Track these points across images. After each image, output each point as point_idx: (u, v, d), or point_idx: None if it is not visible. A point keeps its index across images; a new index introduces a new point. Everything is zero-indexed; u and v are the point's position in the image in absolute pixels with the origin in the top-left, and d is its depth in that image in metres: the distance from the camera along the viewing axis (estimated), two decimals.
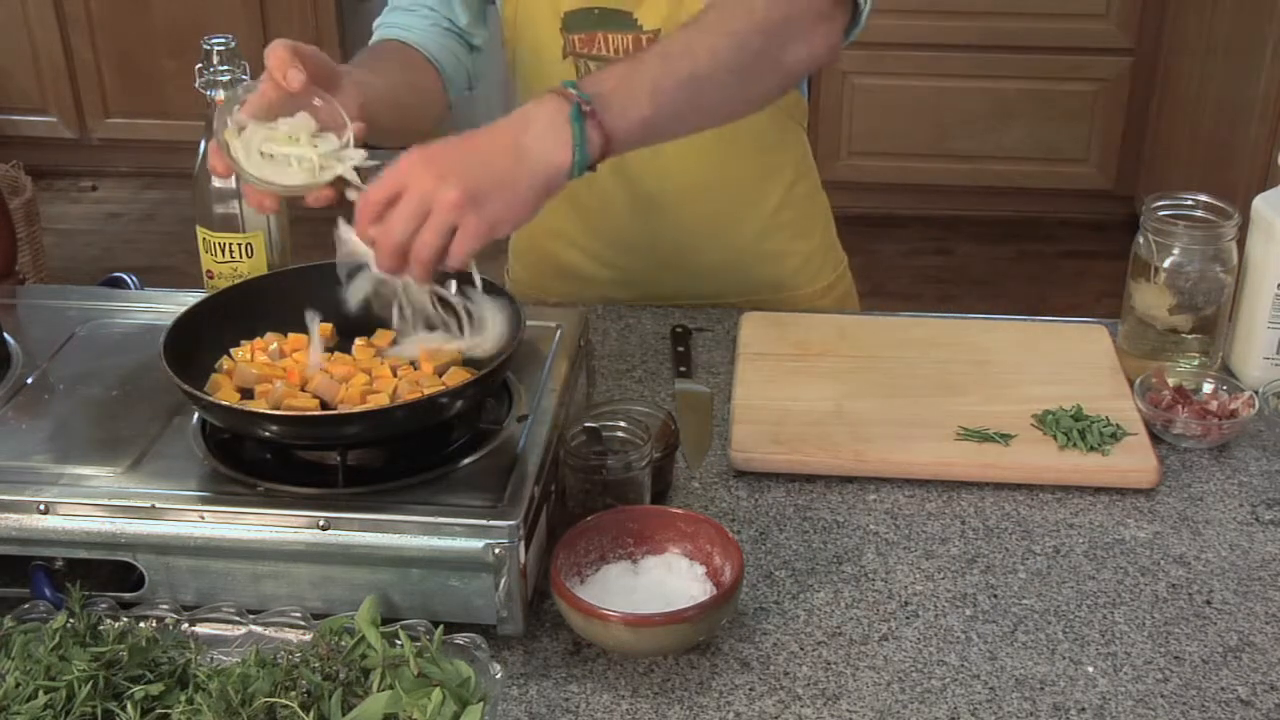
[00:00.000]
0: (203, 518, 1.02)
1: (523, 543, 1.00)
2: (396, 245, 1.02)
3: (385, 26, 1.45)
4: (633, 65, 1.10)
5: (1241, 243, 1.36)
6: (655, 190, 1.50)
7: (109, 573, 1.04)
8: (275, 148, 1.11)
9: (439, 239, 1.01)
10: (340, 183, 1.12)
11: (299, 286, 1.22)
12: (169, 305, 1.28)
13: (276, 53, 1.10)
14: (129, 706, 0.90)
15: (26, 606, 1.01)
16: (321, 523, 1.01)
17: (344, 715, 0.88)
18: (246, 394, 1.12)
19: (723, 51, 1.11)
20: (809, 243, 1.60)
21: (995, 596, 1.10)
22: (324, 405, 1.10)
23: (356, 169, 1.12)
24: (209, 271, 1.37)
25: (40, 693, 0.90)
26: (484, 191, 1.01)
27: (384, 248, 1.02)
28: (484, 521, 1.00)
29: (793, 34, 1.14)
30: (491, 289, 1.21)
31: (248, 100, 1.12)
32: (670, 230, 1.53)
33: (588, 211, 1.55)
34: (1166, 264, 1.34)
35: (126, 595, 1.04)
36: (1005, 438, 1.26)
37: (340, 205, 1.10)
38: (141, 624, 0.99)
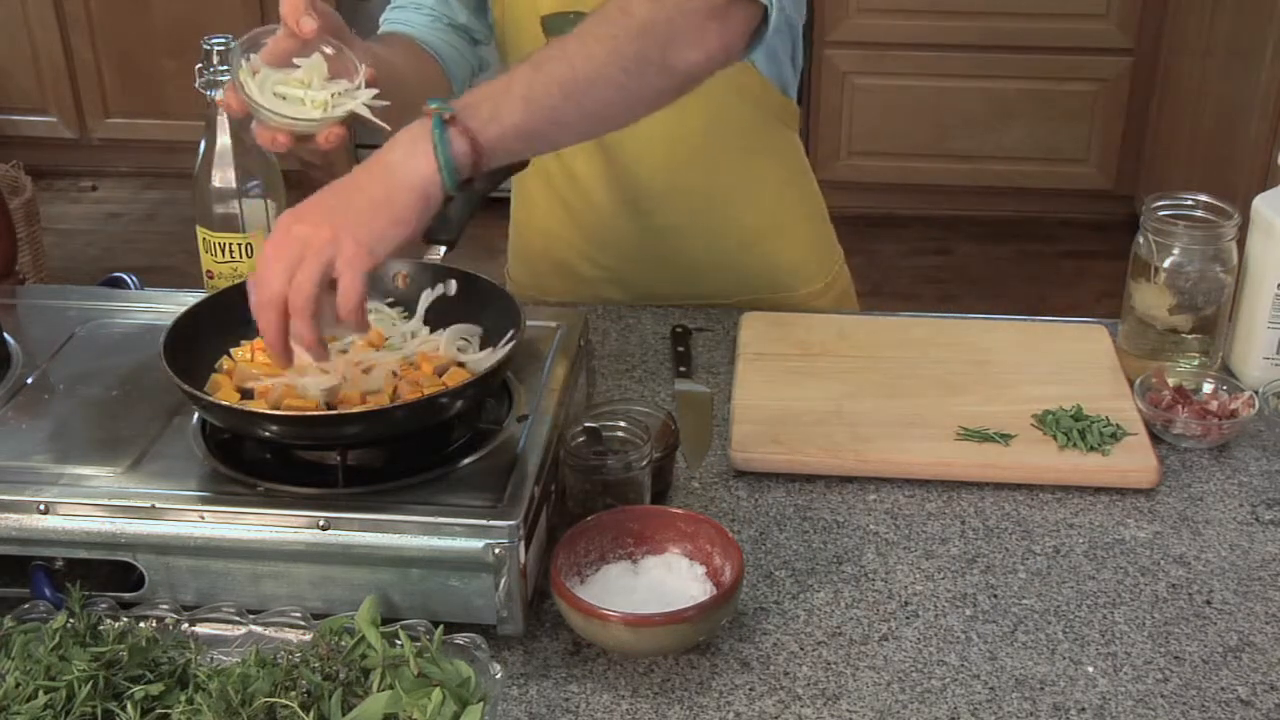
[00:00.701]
0: (203, 518, 1.02)
1: (523, 543, 1.00)
2: (272, 300, 0.98)
3: (388, 23, 1.46)
4: (507, 75, 1.09)
5: (1241, 243, 1.36)
6: (643, 195, 1.50)
7: (109, 573, 1.04)
8: (289, 90, 1.12)
9: (313, 277, 0.98)
10: (351, 121, 1.13)
11: None
12: (169, 305, 1.29)
13: (291, 1, 1.10)
14: (129, 706, 0.90)
15: (26, 606, 1.01)
16: (321, 523, 1.01)
17: (344, 715, 0.88)
18: (246, 394, 1.12)
19: (599, 55, 1.09)
20: (802, 245, 1.60)
21: (995, 596, 1.10)
22: (324, 405, 1.10)
23: (369, 107, 1.13)
24: (209, 271, 1.37)
25: (40, 693, 0.90)
26: (356, 220, 1.00)
27: (263, 310, 0.99)
28: (484, 521, 1.00)
29: (677, 35, 1.10)
30: (491, 290, 1.21)
31: (263, 46, 1.13)
32: (660, 233, 1.53)
33: (578, 213, 1.55)
34: (1166, 264, 1.34)
35: (126, 595, 1.04)
36: (1005, 438, 1.26)
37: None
38: (141, 624, 0.99)
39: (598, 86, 1.10)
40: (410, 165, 1.03)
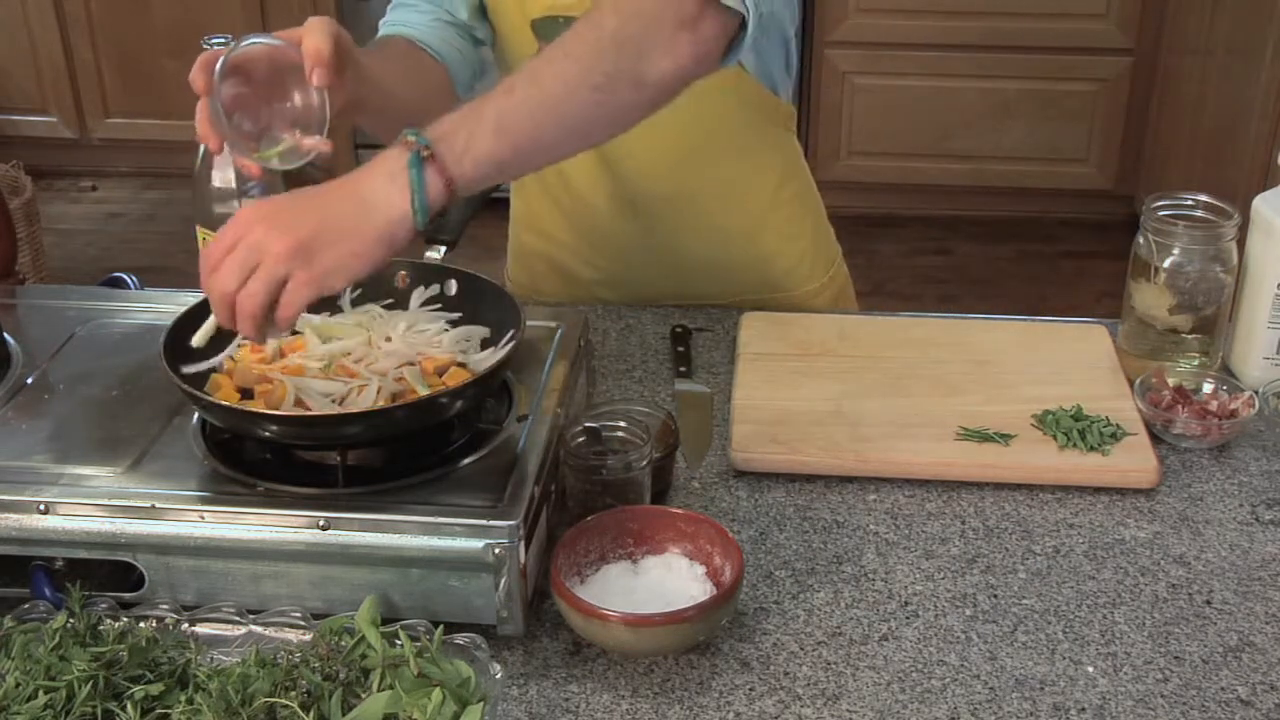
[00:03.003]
0: (203, 518, 1.02)
1: (523, 543, 1.00)
2: (223, 296, 1.01)
3: (389, 25, 1.44)
4: (478, 104, 1.08)
5: (1241, 243, 1.36)
6: (637, 196, 1.50)
7: (109, 573, 1.04)
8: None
9: (265, 290, 0.99)
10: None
11: None
12: (169, 305, 1.29)
13: (320, 52, 1.13)
14: (129, 706, 0.90)
15: (26, 606, 1.01)
16: (321, 523, 1.01)
17: (344, 715, 0.88)
18: (246, 394, 1.12)
19: (570, 74, 1.08)
20: (798, 245, 1.59)
21: (995, 596, 1.10)
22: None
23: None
24: None
25: (40, 693, 0.90)
26: (318, 243, 1.00)
27: (214, 299, 1.02)
28: (484, 521, 1.00)
29: (648, 47, 1.09)
30: (491, 290, 1.21)
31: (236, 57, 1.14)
32: (654, 235, 1.53)
33: (573, 215, 1.55)
34: (1166, 264, 1.34)
35: (126, 595, 1.04)
36: (1005, 438, 1.26)
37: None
38: (141, 624, 0.99)
39: (571, 106, 1.08)
40: (384, 202, 1.02)
